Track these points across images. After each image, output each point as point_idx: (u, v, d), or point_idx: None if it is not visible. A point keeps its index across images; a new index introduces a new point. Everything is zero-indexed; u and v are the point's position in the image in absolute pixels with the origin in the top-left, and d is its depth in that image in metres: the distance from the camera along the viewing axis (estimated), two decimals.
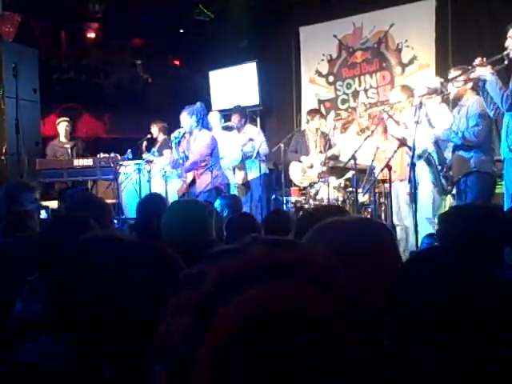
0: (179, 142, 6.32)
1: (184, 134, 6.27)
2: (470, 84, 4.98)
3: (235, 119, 7.59)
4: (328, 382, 0.64)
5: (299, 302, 0.65)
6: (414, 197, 4.68)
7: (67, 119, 7.88)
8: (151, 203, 3.85)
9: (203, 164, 6.08)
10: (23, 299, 1.93)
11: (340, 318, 0.67)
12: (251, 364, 0.63)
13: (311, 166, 7.28)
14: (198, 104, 6.28)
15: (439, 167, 4.86)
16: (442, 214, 2.56)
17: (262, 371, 0.62)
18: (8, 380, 1.44)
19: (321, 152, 7.17)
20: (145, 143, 8.11)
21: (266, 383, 0.63)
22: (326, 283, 0.69)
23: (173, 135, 6.45)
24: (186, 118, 6.20)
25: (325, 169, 6.72)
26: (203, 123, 6.22)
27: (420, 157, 4.96)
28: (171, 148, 6.56)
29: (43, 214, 3.81)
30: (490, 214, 2.16)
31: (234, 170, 7.62)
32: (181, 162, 6.36)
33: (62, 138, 7.72)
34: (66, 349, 1.38)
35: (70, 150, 7.64)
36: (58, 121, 7.83)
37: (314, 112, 7.59)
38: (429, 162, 4.93)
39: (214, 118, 7.64)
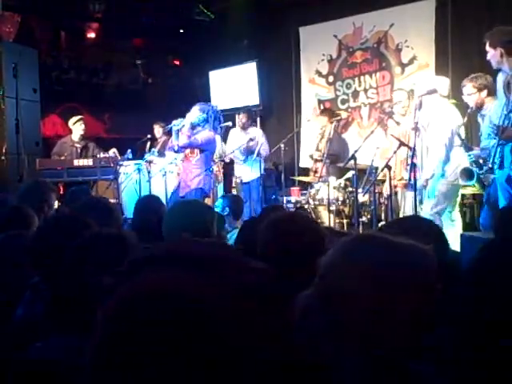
0: (178, 131, 6.18)
1: (183, 126, 6.08)
2: (485, 92, 4.95)
3: (243, 118, 7.61)
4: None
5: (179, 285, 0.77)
6: (414, 197, 4.68)
7: (82, 117, 7.82)
8: (149, 203, 3.84)
9: (193, 153, 6.02)
10: (25, 302, 1.92)
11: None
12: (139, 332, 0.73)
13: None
14: (215, 106, 6.23)
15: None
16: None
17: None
18: (21, 378, 1.44)
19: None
20: (148, 143, 8.10)
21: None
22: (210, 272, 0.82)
23: (173, 122, 6.21)
24: (196, 113, 6.10)
25: None
26: (209, 124, 6.11)
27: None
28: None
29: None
30: None
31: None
32: (176, 148, 6.25)
33: (75, 137, 7.66)
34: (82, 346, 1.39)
35: (79, 150, 7.61)
36: (75, 120, 7.69)
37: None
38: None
39: None
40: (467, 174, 4.88)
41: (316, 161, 7.35)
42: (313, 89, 8.94)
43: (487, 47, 4.44)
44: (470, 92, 4.98)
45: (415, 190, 4.71)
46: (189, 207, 2.70)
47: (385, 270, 1.12)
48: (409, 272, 1.13)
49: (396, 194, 6.08)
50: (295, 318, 1.17)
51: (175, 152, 6.42)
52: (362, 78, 8.38)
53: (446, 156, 5.18)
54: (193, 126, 6.03)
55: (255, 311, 0.79)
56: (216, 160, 6.62)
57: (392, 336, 1.12)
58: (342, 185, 6.44)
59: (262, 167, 7.26)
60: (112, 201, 6.93)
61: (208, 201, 6.10)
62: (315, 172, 7.23)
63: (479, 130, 5.10)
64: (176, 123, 6.10)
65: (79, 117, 7.76)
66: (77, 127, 7.63)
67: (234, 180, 7.96)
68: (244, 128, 7.65)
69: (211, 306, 0.75)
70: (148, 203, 3.88)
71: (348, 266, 1.13)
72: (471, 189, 5.71)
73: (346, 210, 6.34)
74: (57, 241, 1.93)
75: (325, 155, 6.92)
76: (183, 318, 0.73)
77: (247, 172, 7.57)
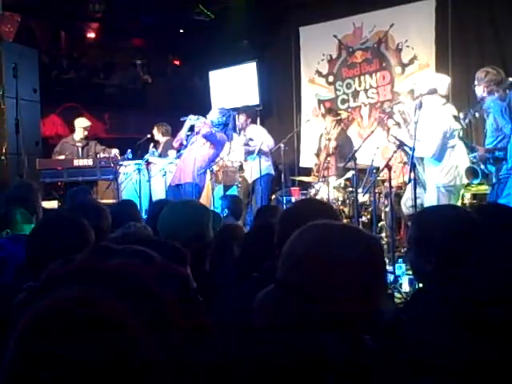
0: (192, 127, 6.27)
1: (202, 123, 6.19)
2: (481, 87, 4.97)
3: (242, 118, 7.60)
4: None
5: (90, 304, 0.69)
6: (414, 196, 4.67)
7: (90, 124, 7.85)
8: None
9: (203, 147, 6.06)
10: (20, 305, 1.92)
11: (136, 319, 0.69)
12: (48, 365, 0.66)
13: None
14: (236, 114, 6.31)
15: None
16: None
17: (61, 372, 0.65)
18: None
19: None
20: (151, 144, 8.09)
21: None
22: (121, 289, 0.72)
23: (190, 116, 6.32)
24: (216, 114, 6.25)
25: None
26: (224, 129, 6.21)
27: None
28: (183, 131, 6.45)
29: None
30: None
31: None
32: (184, 142, 6.37)
33: (76, 137, 7.65)
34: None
35: (80, 150, 7.60)
36: (84, 125, 7.66)
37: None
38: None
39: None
40: (472, 172, 4.93)
41: (327, 155, 7.28)
42: (313, 89, 8.94)
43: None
44: (475, 83, 5.06)
45: (415, 191, 4.70)
46: (186, 208, 2.67)
47: (353, 253, 1.19)
48: (372, 251, 1.23)
49: (398, 194, 6.08)
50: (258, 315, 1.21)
51: (181, 145, 6.47)
52: (362, 77, 8.38)
53: (437, 154, 5.18)
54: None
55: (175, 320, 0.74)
56: (216, 160, 6.61)
57: (366, 311, 1.19)
58: (342, 185, 6.44)
59: (269, 167, 7.30)
60: (112, 201, 6.94)
61: (204, 200, 6.18)
62: (323, 163, 7.15)
63: (484, 127, 5.14)
64: (193, 118, 6.25)
65: (88, 124, 7.75)
66: (80, 131, 7.64)
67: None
68: (243, 128, 7.61)
69: (131, 329, 0.69)
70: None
71: (319, 254, 1.19)
72: (472, 189, 5.71)
73: (346, 210, 6.33)
74: (52, 242, 1.93)
75: (331, 153, 6.92)
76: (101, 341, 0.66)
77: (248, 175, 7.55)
